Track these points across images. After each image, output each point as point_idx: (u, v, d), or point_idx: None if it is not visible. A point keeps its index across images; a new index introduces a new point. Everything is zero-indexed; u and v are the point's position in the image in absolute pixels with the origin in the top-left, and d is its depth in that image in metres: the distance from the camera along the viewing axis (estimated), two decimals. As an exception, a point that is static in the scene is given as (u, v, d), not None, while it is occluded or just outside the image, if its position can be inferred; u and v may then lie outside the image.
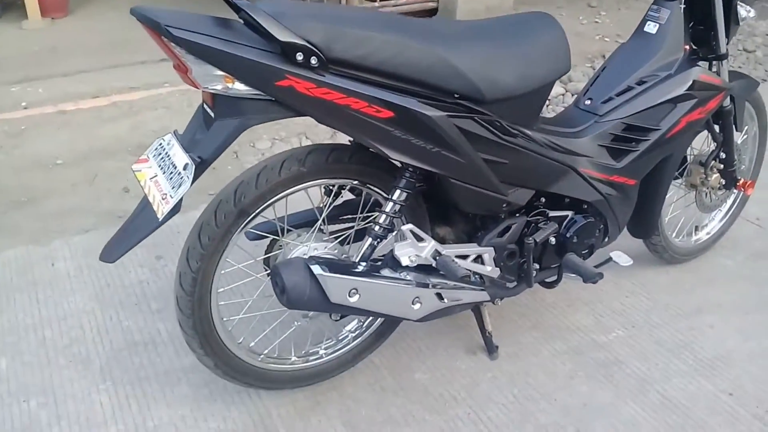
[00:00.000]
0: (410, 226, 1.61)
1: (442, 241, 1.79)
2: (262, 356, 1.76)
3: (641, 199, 2.02)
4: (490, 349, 1.96)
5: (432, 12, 5.05)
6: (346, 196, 1.80)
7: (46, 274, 2.29)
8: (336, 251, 1.68)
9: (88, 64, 4.04)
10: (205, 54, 1.32)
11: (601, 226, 1.91)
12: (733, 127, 2.13)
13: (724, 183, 2.22)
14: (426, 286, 1.62)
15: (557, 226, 1.84)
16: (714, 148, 2.15)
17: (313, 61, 1.37)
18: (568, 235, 1.84)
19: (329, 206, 1.70)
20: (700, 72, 1.88)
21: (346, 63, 1.40)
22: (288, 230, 1.68)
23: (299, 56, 1.35)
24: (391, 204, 1.61)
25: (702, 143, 2.24)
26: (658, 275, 2.34)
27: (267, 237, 1.69)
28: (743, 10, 1.96)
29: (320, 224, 1.68)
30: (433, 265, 1.62)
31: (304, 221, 1.72)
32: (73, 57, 4.17)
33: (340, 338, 1.87)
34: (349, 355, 1.85)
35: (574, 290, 2.20)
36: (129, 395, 1.83)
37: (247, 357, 1.71)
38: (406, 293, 1.58)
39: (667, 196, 2.13)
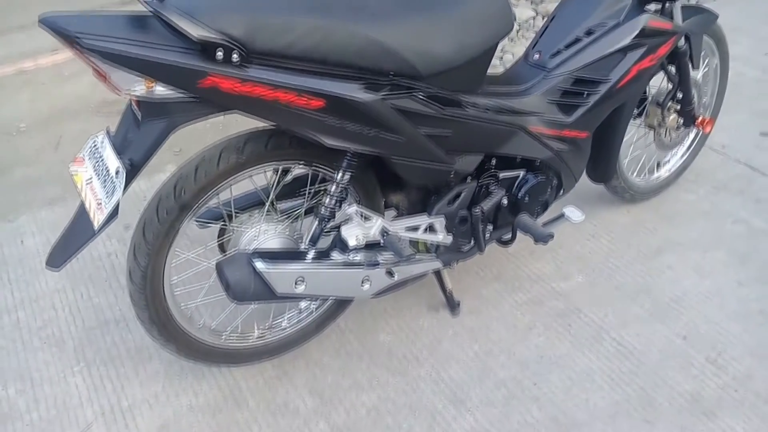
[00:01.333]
0: (355, 207, 1.61)
1: (396, 207, 1.80)
2: (225, 335, 1.80)
3: (598, 145, 2.01)
4: (452, 306, 2.00)
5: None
6: (298, 169, 1.78)
7: (16, 253, 2.32)
8: (287, 231, 1.69)
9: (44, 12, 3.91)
10: (120, 60, 1.27)
11: (555, 181, 1.91)
12: (690, 66, 2.08)
13: (682, 122, 2.19)
14: (376, 264, 1.63)
15: (509, 187, 1.84)
16: (670, 88, 2.11)
17: (235, 56, 1.32)
18: (520, 195, 1.84)
19: (277, 186, 1.70)
20: (648, 18, 1.82)
21: (271, 54, 1.35)
22: (236, 214, 1.68)
23: (219, 53, 1.31)
24: (335, 186, 1.61)
25: (661, 81, 2.19)
26: (619, 216, 2.35)
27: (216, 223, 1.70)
28: (694, -50, 1.88)
29: (269, 204, 1.68)
30: (381, 243, 1.63)
31: (253, 202, 1.72)
32: (28, 5, 4.02)
33: (302, 309, 1.90)
34: (313, 325, 1.89)
35: (537, 236, 2.21)
36: (103, 375, 1.89)
37: (209, 338, 1.76)
38: (353, 275, 1.60)
39: (625, 138, 2.11)
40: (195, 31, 1.28)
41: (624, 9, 1.82)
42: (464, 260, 1.91)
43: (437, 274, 1.99)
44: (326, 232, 1.69)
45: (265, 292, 1.50)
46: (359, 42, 1.42)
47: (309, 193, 1.75)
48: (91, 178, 1.45)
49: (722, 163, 2.58)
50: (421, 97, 1.53)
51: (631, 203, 2.37)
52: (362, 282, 1.62)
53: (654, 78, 2.09)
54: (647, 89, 2.13)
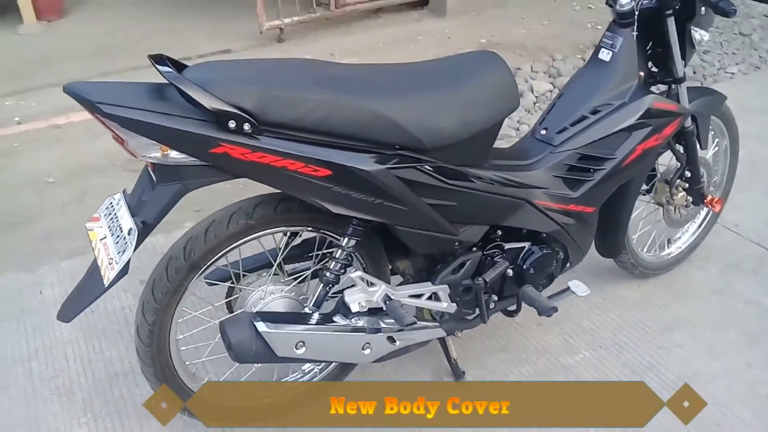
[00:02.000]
0: (359, 273, 1.64)
1: (402, 274, 1.83)
2: (227, 394, 1.82)
3: (606, 220, 2.02)
4: (457, 374, 2.00)
5: (423, 3, 4.99)
6: (306, 233, 1.82)
7: (35, 302, 2.37)
8: (293, 293, 1.72)
9: (79, 72, 4.07)
10: (137, 128, 1.35)
11: (560, 255, 1.92)
12: (698, 146, 2.11)
13: (691, 200, 2.21)
14: (377, 329, 1.65)
15: (514, 258, 1.86)
16: (678, 167, 2.13)
17: (246, 127, 1.39)
18: (525, 267, 1.86)
19: (285, 249, 1.74)
20: (653, 99, 1.86)
21: (281, 125, 1.42)
22: (245, 275, 1.72)
23: (232, 124, 1.38)
24: (340, 251, 1.65)
25: (670, 159, 2.22)
26: (629, 291, 2.34)
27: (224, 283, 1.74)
28: (698, 35, 1.93)
29: (277, 266, 1.72)
30: (384, 309, 1.65)
31: (261, 264, 1.76)
32: (65, 64, 4.21)
33: (305, 371, 1.91)
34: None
35: (545, 308, 2.21)
36: (108, 428, 1.90)
37: (212, 396, 1.78)
38: (354, 340, 1.62)
39: (635, 213, 2.13)
40: (209, 103, 1.35)
41: (630, 90, 1.87)
42: (468, 329, 1.91)
43: (442, 341, 1.99)
44: (331, 295, 1.72)
45: (266, 353, 1.53)
46: (367, 116, 1.48)
47: (316, 256, 1.79)
48: (105, 236, 1.51)
49: (735, 241, 2.57)
50: (426, 169, 1.58)
51: (641, 279, 2.37)
52: (363, 347, 1.64)
53: (664, 155, 2.12)
54: (656, 166, 2.16)
